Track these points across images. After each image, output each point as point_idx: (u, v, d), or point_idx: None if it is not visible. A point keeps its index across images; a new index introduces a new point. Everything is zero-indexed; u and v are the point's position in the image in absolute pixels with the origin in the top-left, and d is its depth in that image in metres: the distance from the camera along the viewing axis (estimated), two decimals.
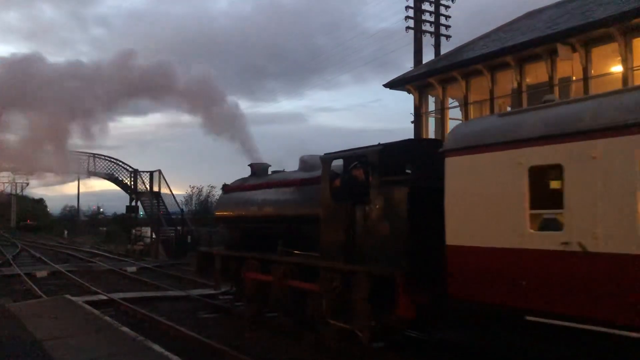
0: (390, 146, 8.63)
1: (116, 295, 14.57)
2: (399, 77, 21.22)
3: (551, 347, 6.01)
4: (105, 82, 15.20)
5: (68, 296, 13.73)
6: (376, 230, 8.21)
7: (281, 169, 12.70)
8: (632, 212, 5.33)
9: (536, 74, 16.26)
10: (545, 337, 6.02)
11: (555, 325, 5.81)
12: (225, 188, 13.59)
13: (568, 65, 15.14)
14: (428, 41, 24.55)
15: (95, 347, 8.58)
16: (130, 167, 35.73)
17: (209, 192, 42.72)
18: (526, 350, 6.46)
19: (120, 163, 35.95)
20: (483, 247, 6.60)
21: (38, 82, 14.68)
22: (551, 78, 15.51)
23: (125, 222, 40.47)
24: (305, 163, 11.25)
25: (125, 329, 9.81)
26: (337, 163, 9.47)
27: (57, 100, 14.74)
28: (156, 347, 8.50)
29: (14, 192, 78.18)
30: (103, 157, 36.23)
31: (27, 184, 79.17)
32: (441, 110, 19.49)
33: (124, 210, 38.80)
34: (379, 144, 8.63)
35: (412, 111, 20.66)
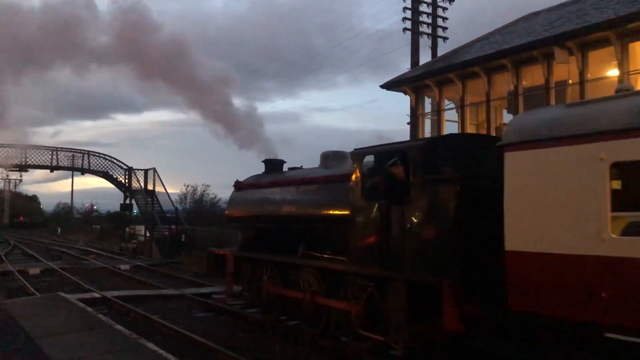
0: (434, 141, 8.09)
1: (110, 294, 14.52)
2: (395, 78, 21.21)
3: None
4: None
5: (61, 294, 13.65)
6: (417, 234, 7.48)
7: (298, 166, 11.93)
8: None
9: (532, 77, 16.29)
10: (627, 357, 5.40)
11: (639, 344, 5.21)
12: (238, 185, 12.51)
13: (564, 69, 15.17)
14: (425, 43, 24.68)
15: (89, 345, 8.53)
16: (124, 164, 35.67)
17: (204, 191, 42.74)
18: None
19: (115, 161, 35.90)
20: (552, 254, 5.87)
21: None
22: (547, 81, 15.56)
23: (119, 220, 40.31)
24: (327, 159, 10.61)
25: (119, 326, 9.77)
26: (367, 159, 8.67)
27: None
28: (150, 345, 8.48)
29: (6, 188, 77.93)
30: (97, 154, 36.23)
31: (21, 180, 78.98)
32: (437, 111, 19.51)
33: (118, 208, 38.63)
34: (423, 139, 8.23)
35: (409, 112, 20.69)
